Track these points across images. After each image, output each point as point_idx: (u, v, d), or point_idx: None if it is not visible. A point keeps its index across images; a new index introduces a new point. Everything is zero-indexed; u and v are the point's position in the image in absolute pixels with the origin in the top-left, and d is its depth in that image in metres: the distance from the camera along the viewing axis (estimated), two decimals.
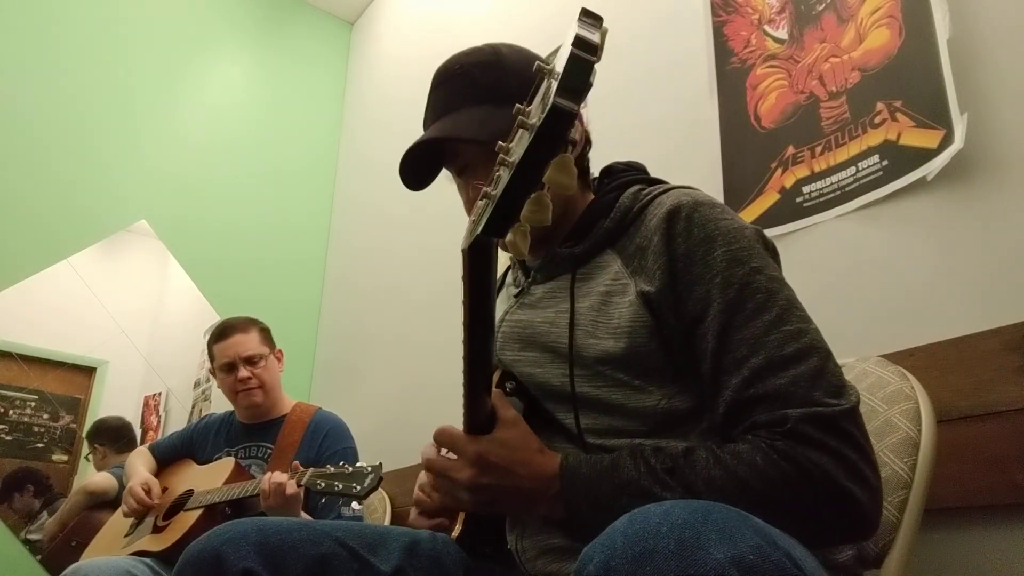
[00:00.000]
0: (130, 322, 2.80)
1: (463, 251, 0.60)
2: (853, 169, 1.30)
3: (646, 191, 0.87)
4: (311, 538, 0.82)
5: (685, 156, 1.64)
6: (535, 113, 0.52)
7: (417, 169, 0.93)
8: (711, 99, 1.60)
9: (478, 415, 0.74)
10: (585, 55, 0.49)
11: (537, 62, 0.53)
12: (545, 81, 0.52)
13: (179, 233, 2.92)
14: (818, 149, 1.37)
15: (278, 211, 3.18)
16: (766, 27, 1.54)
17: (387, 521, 2.05)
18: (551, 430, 0.83)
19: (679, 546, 0.47)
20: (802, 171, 1.39)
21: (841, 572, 0.75)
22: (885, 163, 1.25)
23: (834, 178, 1.33)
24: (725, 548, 0.46)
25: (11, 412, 2.53)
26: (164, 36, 3.07)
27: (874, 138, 1.28)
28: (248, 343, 1.96)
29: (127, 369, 2.77)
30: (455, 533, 0.90)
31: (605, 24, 0.51)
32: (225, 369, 1.96)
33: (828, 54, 1.40)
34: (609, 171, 0.96)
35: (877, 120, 1.28)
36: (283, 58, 3.39)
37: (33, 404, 2.58)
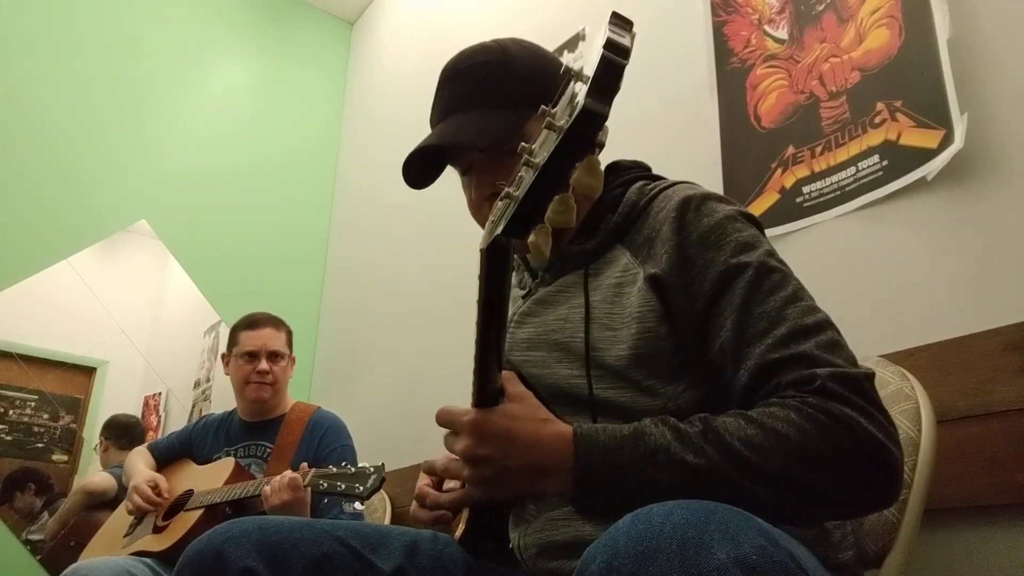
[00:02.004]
0: (130, 322, 2.80)
1: (481, 251, 0.60)
2: (853, 169, 1.30)
3: (651, 186, 0.89)
4: (312, 537, 0.82)
5: (685, 156, 1.64)
6: (562, 115, 0.52)
7: (421, 169, 0.93)
8: (711, 99, 1.61)
9: (486, 402, 0.72)
10: (616, 58, 0.49)
11: (565, 65, 0.53)
12: (572, 83, 0.52)
13: (180, 232, 2.92)
14: (818, 149, 1.37)
15: (279, 209, 3.18)
16: (766, 27, 1.54)
17: (387, 521, 2.05)
18: None
19: (682, 546, 0.47)
20: (802, 171, 1.39)
21: (842, 572, 0.75)
22: (885, 163, 1.25)
23: (834, 178, 1.33)
24: (728, 548, 0.46)
25: (11, 412, 2.53)
26: (165, 37, 3.07)
27: (874, 138, 1.28)
28: (277, 339, 2.02)
29: (127, 369, 2.77)
30: (458, 533, 0.90)
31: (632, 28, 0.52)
32: (246, 357, 1.98)
33: (828, 54, 1.40)
34: (614, 167, 0.97)
35: (877, 120, 1.28)
36: (284, 58, 3.39)
37: (33, 404, 2.58)
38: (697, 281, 0.77)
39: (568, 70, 0.52)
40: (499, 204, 0.58)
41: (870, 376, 0.68)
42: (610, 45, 0.49)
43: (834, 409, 0.64)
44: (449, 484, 0.94)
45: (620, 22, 0.52)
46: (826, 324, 0.72)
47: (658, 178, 0.93)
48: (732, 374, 0.73)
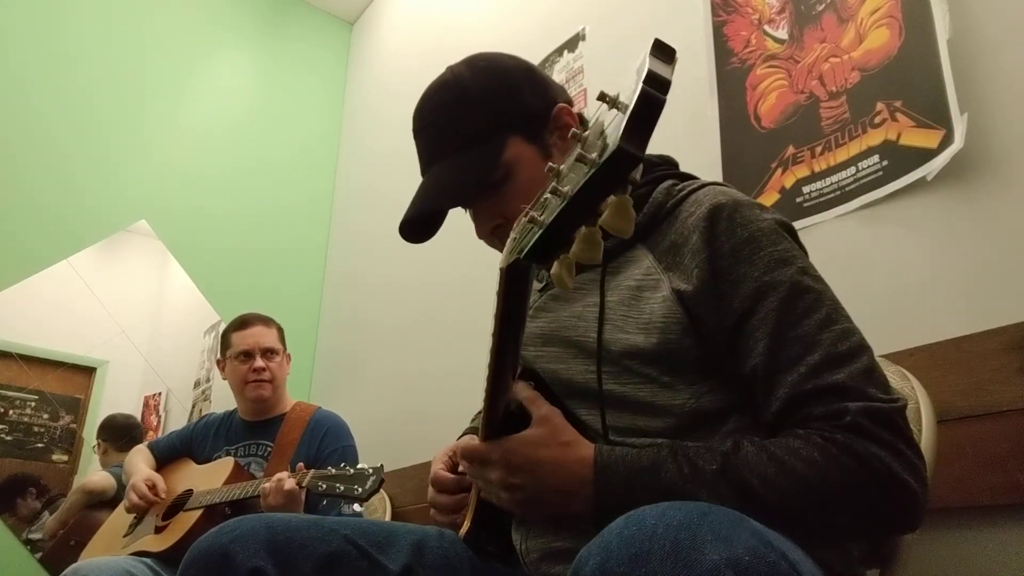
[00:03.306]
0: (130, 322, 2.80)
1: (501, 269, 0.59)
2: (853, 169, 1.31)
3: (679, 187, 0.86)
4: (320, 536, 0.82)
5: (685, 156, 1.62)
6: (593, 145, 0.49)
7: (417, 229, 0.94)
8: (711, 99, 1.61)
9: (496, 425, 0.73)
10: (656, 93, 0.46)
11: (601, 90, 0.50)
12: (610, 109, 0.49)
13: (180, 232, 2.92)
14: (818, 149, 1.37)
15: (279, 208, 3.18)
16: (766, 27, 1.54)
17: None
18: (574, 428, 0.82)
19: (674, 547, 0.47)
20: (802, 171, 1.39)
21: (842, 572, 0.75)
22: (885, 163, 1.26)
23: (834, 178, 1.33)
24: (720, 550, 0.47)
25: (11, 412, 2.53)
26: (165, 36, 3.06)
27: (874, 138, 1.28)
28: (268, 336, 2.03)
29: (127, 369, 2.77)
30: (463, 531, 0.90)
31: (660, 52, 0.48)
32: (241, 357, 1.99)
33: (828, 54, 1.40)
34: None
35: (877, 120, 1.28)
36: (284, 58, 3.39)
37: (33, 404, 2.58)
38: (728, 296, 0.75)
39: (603, 95, 0.49)
40: (522, 223, 0.56)
41: (901, 408, 0.68)
42: (651, 79, 0.46)
43: (859, 448, 0.65)
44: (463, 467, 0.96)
45: (662, 52, 0.48)
46: (860, 349, 0.71)
47: (687, 176, 0.91)
48: (763, 399, 0.73)
